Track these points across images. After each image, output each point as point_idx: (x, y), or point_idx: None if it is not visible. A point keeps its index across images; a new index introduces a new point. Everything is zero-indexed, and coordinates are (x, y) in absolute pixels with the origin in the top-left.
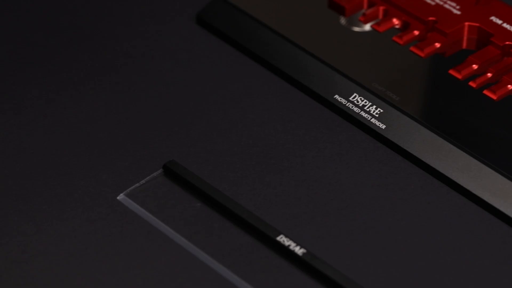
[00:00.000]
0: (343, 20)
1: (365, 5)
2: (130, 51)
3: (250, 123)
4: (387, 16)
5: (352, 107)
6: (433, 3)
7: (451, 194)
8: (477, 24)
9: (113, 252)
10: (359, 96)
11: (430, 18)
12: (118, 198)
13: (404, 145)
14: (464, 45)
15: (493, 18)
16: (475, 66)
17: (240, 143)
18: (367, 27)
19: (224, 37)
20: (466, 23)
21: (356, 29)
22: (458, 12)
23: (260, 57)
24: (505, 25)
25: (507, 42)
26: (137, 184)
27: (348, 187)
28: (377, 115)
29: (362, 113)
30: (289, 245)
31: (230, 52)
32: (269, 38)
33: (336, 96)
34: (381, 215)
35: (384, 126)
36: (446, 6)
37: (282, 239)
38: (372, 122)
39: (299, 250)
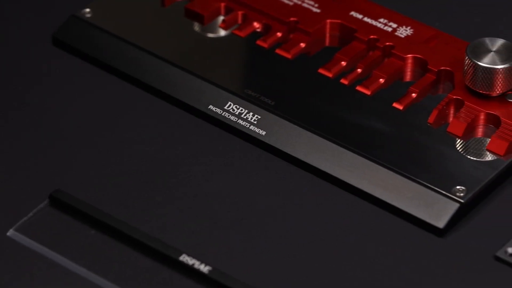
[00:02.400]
0: (197, 28)
1: (223, 11)
2: None
3: (130, 142)
4: (247, 20)
5: (228, 116)
6: (291, 3)
7: (342, 194)
8: (338, 21)
9: None
10: (234, 105)
11: (291, 19)
12: (8, 234)
13: (287, 149)
14: (327, 43)
15: (353, 13)
16: (343, 63)
17: (124, 164)
18: (223, 32)
19: (84, 56)
20: (328, 21)
21: (211, 35)
22: (318, 10)
23: (126, 74)
24: (366, 19)
25: (371, 36)
26: (25, 218)
27: (240, 197)
28: (255, 122)
29: (240, 121)
30: (193, 264)
31: (95, 72)
32: (132, 54)
33: (211, 107)
34: (278, 222)
35: (264, 132)
36: (305, 5)
37: (185, 258)
38: (251, 129)
39: (204, 268)
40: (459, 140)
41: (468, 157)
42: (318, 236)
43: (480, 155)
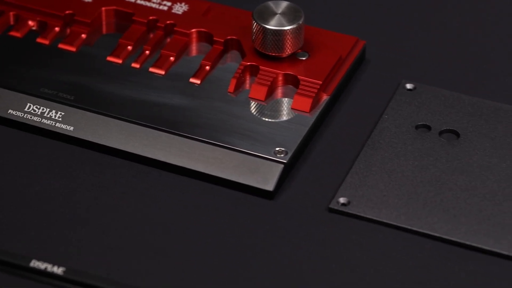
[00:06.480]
0: None
1: None
2: None
3: None
4: (20, 20)
5: (31, 117)
6: None
7: (165, 175)
8: (113, 7)
9: None
10: (33, 105)
11: (66, 12)
12: None
13: (99, 140)
14: (104, 31)
15: None
16: (129, 48)
17: None
18: None
19: None
20: (103, 8)
21: None
22: (90, 0)
23: None
24: (139, 1)
25: (150, 17)
26: None
27: (70, 194)
28: (60, 119)
29: (45, 121)
30: (46, 268)
31: None
32: None
33: (10, 111)
34: (113, 213)
35: (71, 128)
36: None
37: (36, 264)
38: (58, 127)
39: (58, 270)
40: (263, 104)
41: (277, 119)
42: (154, 220)
43: (288, 115)
